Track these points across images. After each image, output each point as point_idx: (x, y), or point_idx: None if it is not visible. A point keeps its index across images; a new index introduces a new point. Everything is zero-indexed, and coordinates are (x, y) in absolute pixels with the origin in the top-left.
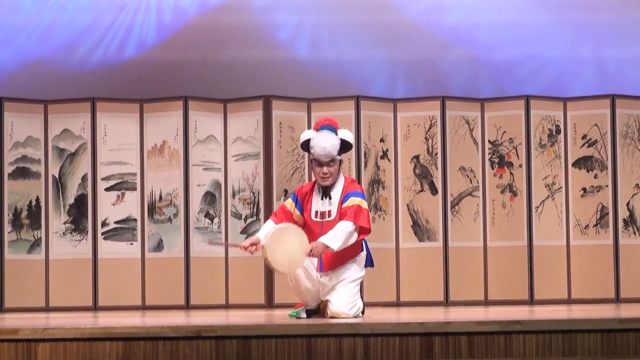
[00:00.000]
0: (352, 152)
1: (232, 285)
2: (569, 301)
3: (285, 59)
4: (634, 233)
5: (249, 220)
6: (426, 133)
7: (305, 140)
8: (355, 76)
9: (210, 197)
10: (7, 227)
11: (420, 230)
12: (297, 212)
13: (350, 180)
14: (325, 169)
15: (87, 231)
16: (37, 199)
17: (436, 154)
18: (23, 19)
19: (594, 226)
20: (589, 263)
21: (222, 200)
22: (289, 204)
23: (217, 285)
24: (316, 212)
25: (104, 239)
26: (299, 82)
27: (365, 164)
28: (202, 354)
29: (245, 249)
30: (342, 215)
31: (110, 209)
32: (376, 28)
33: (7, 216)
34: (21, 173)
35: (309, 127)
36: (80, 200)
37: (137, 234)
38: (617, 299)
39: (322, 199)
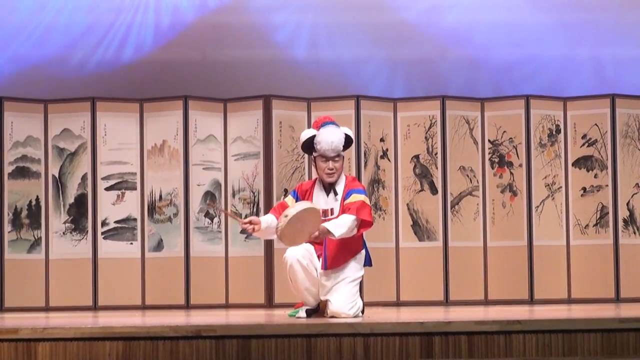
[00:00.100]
0: (352, 152)
1: (232, 285)
2: (569, 301)
3: (285, 59)
4: (634, 233)
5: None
6: (426, 133)
7: (308, 139)
8: (354, 76)
9: (210, 197)
10: (7, 227)
11: (420, 230)
12: None
13: (352, 178)
14: (331, 164)
15: (87, 231)
16: (37, 199)
17: (436, 154)
18: (23, 19)
19: (594, 226)
20: (589, 263)
21: (222, 200)
22: (290, 200)
23: (217, 285)
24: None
25: (104, 238)
26: (299, 81)
27: (365, 163)
28: (202, 353)
29: (244, 223)
30: (344, 210)
31: (110, 208)
32: (376, 28)
33: (7, 216)
34: (21, 173)
35: (309, 127)
36: (80, 199)
37: (137, 234)
38: (617, 299)
39: (327, 195)
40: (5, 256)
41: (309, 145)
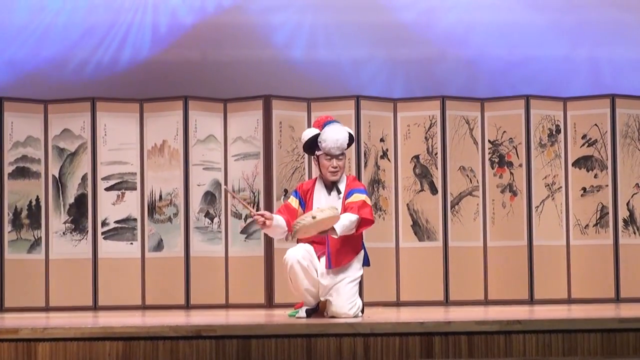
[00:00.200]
0: (352, 152)
1: (232, 285)
2: (569, 301)
3: (285, 60)
4: (634, 233)
5: (248, 220)
6: (426, 133)
7: (311, 138)
8: (354, 77)
9: (210, 197)
10: (7, 227)
11: (420, 230)
12: (300, 210)
13: (353, 178)
14: (335, 162)
15: (87, 231)
16: (37, 199)
17: (436, 154)
18: (23, 20)
19: (593, 226)
20: (589, 263)
21: (222, 200)
22: (293, 201)
23: (217, 285)
24: (318, 208)
25: (104, 238)
26: (299, 82)
27: (365, 163)
28: (202, 353)
29: (254, 215)
30: (346, 209)
31: (110, 208)
32: (375, 29)
33: (7, 216)
34: (21, 173)
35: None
36: (80, 200)
37: (137, 234)
38: (617, 299)
39: (328, 194)
40: (5, 256)
41: (311, 144)
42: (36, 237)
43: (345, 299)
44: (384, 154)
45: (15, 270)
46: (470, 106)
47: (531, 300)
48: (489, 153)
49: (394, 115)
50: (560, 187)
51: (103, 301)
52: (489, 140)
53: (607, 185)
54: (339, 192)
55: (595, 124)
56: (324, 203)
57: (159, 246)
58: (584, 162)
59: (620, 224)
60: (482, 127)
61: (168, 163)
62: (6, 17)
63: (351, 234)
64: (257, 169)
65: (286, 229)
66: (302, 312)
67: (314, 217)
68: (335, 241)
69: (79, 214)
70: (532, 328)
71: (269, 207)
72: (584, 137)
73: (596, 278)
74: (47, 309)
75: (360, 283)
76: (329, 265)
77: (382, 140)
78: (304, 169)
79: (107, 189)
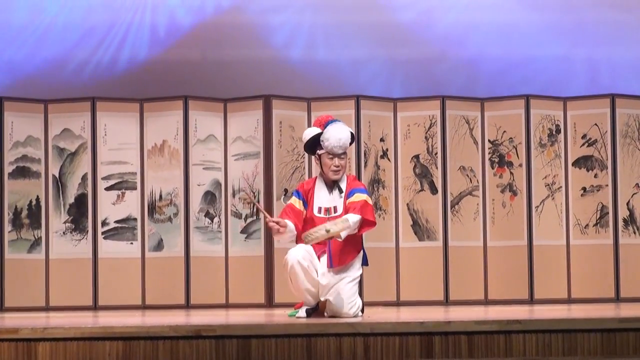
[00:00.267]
0: (352, 152)
1: (232, 285)
2: (569, 301)
3: (285, 59)
4: (634, 233)
5: (249, 220)
6: (426, 132)
7: (313, 137)
8: (354, 77)
9: (210, 197)
10: (7, 227)
11: (420, 229)
12: (304, 210)
13: (353, 177)
14: (337, 162)
15: (87, 231)
16: (37, 199)
17: (436, 154)
18: (23, 20)
19: (593, 226)
20: (589, 262)
21: (222, 199)
22: (297, 203)
23: (217, 284)
24: (319, 207)
25: (104, 238)
26: (299, 82)
27: (365, 163)
28: (202, 353)
29: (269, 222)
30: (348, 209)
31: (111, 208)
32: (375, 29)
33: (7, 216)
34: (21, 173)
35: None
36: (81, 199)
37: (137, 234)
38: (617, 299)
39: (329, 193)
40: (5, 256)
41: (312, 143)
42: (36, 237)
43: (345, 298)
44: (384, 154)
45: (15, 270)
46: (470, 106)
47: (531, 300)
48: (489, 153)
49: (394, 115)
50: (560, 187)
51: (103, 301)
52: (489, 140)
53: (607, 185)
54: (340, 191)
55: (595, 124)
56: (325, 202)
57: (159, 246)
58: (584, 162)
59: (620, 223)
60: (482, 127)
61: (168, 163)
62: (6, 17)
63: (353, 234)
64: (257, 169)
65: (295, 233)
66: (302, 312)
67: (327, 231)
68: (337, 241)
69: (79, 213)
70: (532, 328)
71: (269, 206)
72: (584, 137)
73: (596, 278)
74: (47, 308)
75: (360, 283)
76: (330, 265)
77: (382, 140)
78: (304, 168)
79: (107, 189)
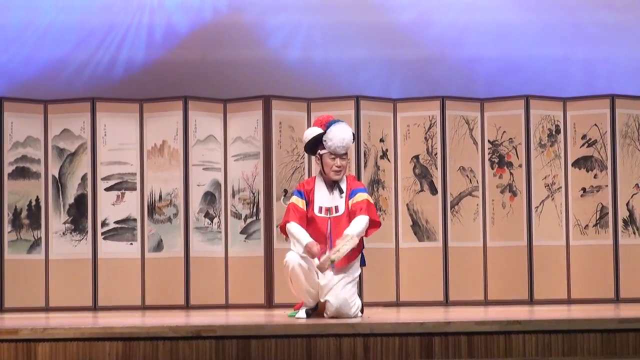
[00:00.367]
0: (352, 152)
1: (232, 285)
2: (569, 301)
3: (285, 60)
4: (634, 233)
5: (248, 220)
6: (426, 133)
7: (314, 137)
8: (353, 78)
9: (210, 197)
10: (7, 227)
11: (420, 230)
12: (306, 209)
13: (353, 177)
14: (338, 162)
15: (87, 231)
16: (37, 199)
17: (436, 154)
18: (23, 20)
19: (593, 226)
20: (589, 263)
21: (222, 200)
22: (300, 202)
23: (217, 285)
24: (320, 207)
25: (103, 239)
26: (298, 82)
27: (365, 163)
28: (202, 354)
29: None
30: (352, 210)
31: (110, 208)
32: (374, 30)
33: (7, 216)
34: (21, 173)
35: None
36: (80, 200)
37: (137, 234)
38: (617, 299)
39: (330, 193)
40: (5, 256)
41: (313, 143)
42: (36, 237)
43: (344, 299)
44: (384, 154)
45: (15, 270)
46: (470, 106)
47: (531, 301)
48: (489, 153)
49: (393, 115)
50: (560, 187)
51: (103, 301)
52: (489, 141)
53: (606, 186)
54: (340, 191)
55: (595, 124)
56: (325, 202)
57: (158, 246)
58: (583, 162)
59: (620, 224)
60: (481, 127)
61: (168, 163)
62: (6, 18)
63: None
64: (257, 169)
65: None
66: (301, 313)
67: (333, 261)
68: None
69: (79, 214)
70: (532, 328)
71: (268, 207)
72: (583, 137)
73: (596, 278)
74: (47, 309)
75: (360, 283)
76: (332, 265)
77: (382, 140)
78: (303, 169)
79: (107, 189)
